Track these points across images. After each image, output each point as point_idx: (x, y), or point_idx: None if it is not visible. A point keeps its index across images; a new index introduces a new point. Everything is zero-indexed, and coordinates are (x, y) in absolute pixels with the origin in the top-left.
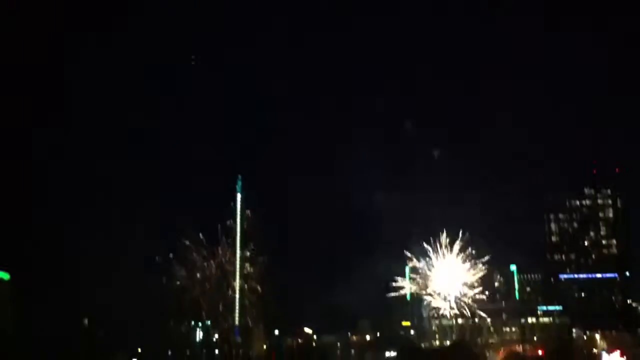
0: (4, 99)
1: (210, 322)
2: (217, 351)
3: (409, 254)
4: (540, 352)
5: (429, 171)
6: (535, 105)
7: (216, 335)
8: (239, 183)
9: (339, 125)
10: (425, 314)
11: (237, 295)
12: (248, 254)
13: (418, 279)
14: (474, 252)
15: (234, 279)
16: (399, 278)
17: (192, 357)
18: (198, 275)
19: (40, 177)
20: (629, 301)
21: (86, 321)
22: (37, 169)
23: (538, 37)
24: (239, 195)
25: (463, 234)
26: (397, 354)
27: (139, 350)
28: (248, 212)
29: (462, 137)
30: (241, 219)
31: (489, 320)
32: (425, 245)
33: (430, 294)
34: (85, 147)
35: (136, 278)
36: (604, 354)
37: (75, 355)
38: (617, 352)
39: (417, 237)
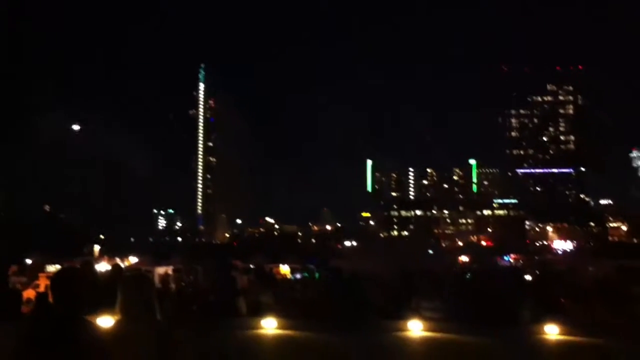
0: None
1: (174, 210)
2: (179, 239)
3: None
4: (489, 244)
5: (393, 74)
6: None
7: (179, 223)
8: (202, 72)
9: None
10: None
11: (200, 184)
12: (211, 143)
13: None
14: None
15: (197, 167)
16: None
17: (155, 245)
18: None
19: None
20: (582, 196)
21: (47, 207)
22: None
23: None
24: (201, 85)
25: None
26: (357, 243)
27: (102, 237)
28: (211, 101)
29: (432, 28)
30: (204, 108)
31: (446, 211)
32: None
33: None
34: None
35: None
36: (555, 244)
37: (39, 237)
38: (568, 242)
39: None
